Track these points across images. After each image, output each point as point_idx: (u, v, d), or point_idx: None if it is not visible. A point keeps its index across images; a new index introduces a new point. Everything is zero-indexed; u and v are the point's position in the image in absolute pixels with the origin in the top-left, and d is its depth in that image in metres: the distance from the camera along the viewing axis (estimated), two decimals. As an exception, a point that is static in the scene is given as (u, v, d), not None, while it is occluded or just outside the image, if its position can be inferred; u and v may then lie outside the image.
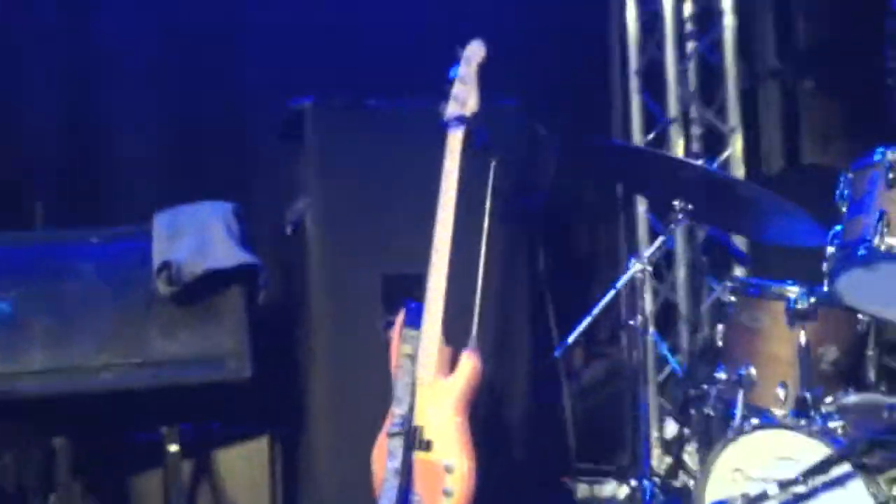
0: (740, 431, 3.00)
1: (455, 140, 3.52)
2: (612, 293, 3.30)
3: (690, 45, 5.36)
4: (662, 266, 5.35)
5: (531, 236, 4.48)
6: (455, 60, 3.60)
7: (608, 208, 5.45)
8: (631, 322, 3.30)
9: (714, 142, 5.33)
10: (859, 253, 2.75)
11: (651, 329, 5.33)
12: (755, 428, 2.98)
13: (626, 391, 5.29)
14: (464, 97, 3.53)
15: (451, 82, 3.58)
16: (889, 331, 3.36)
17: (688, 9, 5.36)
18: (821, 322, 3.13)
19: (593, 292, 5.69)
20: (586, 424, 4.94)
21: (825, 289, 2.92)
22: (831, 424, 2.88)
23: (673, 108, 5.25)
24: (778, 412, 3.18)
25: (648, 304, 5.37)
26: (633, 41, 5.43)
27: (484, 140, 3.57)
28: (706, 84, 5.42)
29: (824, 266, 2.87)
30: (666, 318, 5.40)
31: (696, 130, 5.34)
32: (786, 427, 2.93)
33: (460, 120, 3.52)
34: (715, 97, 5.36)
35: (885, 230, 2.67)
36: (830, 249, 2.85)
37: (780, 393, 3.20)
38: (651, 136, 5.38)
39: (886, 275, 2.75)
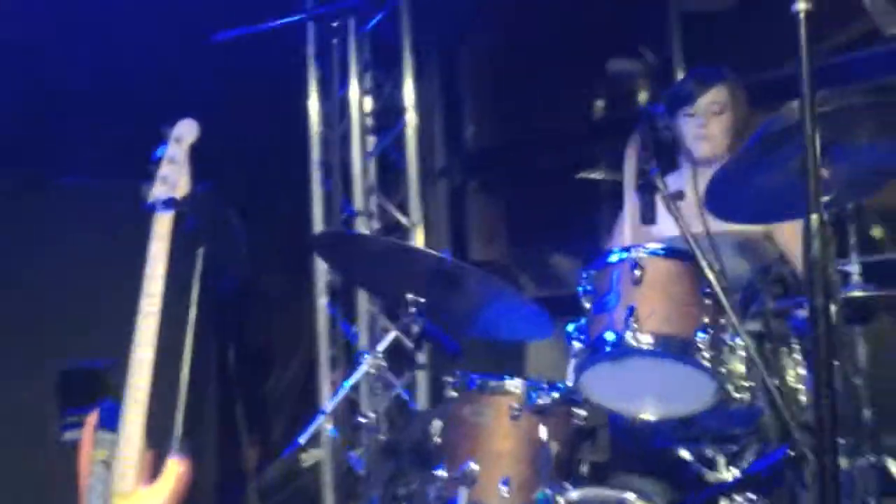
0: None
1: (163, 224, 3.24)
2: (343, 391, 3.14)
3: (373, 140, 5.39)
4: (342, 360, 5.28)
5: (222, 328, 4.25)
6: (161, 139, 3.35)
7: (290, 300, 5.32)
8: (363, 419, 3.14)
9: (397, 235, 5.35)
10: (607, 349, 2.79)
11: (329, 426, 5.22)
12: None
13: (307, 492, 5.16)
14: (174, 179, 3.28)
15: (156, 162, 3.31)
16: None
17: (369, 104, 5.40)
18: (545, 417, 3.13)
19: (270, 387, 5.51)
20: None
21: (569, 383, 2.93)
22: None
23: (358, 201, 5.23)
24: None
25: (326, 401, 5.26)
26: (314, 133, 5.42)
27: (194, 224, 3.32)
28: (389, 178, 5.46)
29: (571, 362, 2.88)
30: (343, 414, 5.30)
31: (377, 224, 5.36)
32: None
33: (169, 203, 3.26)
34: (398, 191, 5.41)
35: (636, 325, 2.74)
36: (577, 345, 2.87)
37: (504, 490, 3.14)
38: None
39: (633, 370, 2.81)
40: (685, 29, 5.20)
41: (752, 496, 2.75)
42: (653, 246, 2.87)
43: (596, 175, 6.69)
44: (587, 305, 2.90)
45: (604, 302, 2.85)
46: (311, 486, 5.03)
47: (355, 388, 5.24)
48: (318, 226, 5.35)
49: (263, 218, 4.85)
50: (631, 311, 2.75)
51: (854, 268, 2.95)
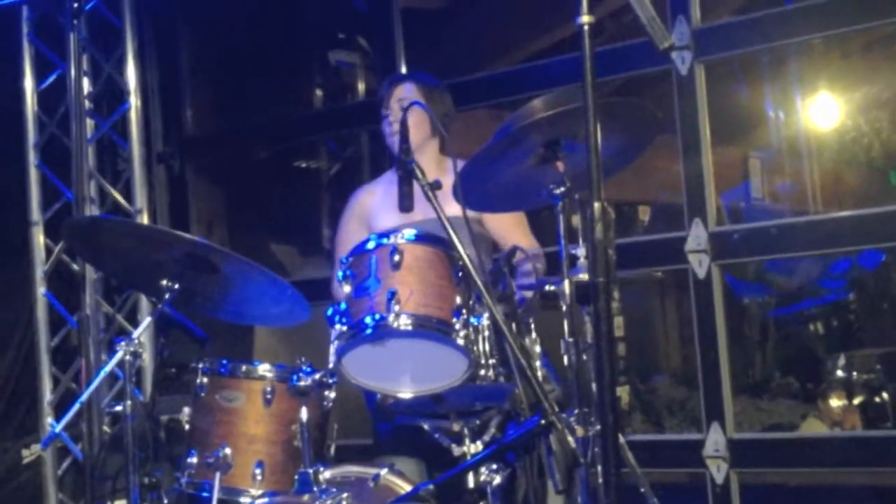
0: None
1: None
2: (99, 378, 3.06)
3: (92, 123, 5.23)
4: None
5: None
6: None
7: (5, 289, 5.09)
8: (118, 408, 3.09)
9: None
10: (369, 331, 2.90)
11: (50, 419, 5.05)
12: (261, 509, 2.97)
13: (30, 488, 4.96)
14: None
15: None
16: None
17: (88, 86, 5.23)
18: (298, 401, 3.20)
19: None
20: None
21: (329, 366, 3.02)
22: (335, 498, 2.96)
23: (83, 185, 5.04)
24: (255, 492, 3.18)
25: (48, 393, 5.08)
26: (30, 114, 5.22)
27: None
28: (112, 163, 5.33)
29: (333, 345, 2.97)
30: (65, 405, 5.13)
31: (97, 210, 5.20)
32: (294, 504, 2.95)
33: None
34: (121, 176, 5.29)
35: (396, 308, 2.87)
36: (339, 328, 2.96)
37: (258, 472, 3.20)
38: (50, 213, 5.17)
39: (393, 350, 2.93)
40: (406, 24, 5.38)
41: (495, 466, 2.94)
42: (410, 232, 3.00)
43: (315, 164, 6.81)
44: (347, 290, 3.00)
45: (364, 286, 2.96)
46: (33, 482, 4.84)
47: (76, 380, 5.09)
48: (36, 211, 5.14)
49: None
50: (392, 294, 2.88)
51: (581, 251, 3.15)
